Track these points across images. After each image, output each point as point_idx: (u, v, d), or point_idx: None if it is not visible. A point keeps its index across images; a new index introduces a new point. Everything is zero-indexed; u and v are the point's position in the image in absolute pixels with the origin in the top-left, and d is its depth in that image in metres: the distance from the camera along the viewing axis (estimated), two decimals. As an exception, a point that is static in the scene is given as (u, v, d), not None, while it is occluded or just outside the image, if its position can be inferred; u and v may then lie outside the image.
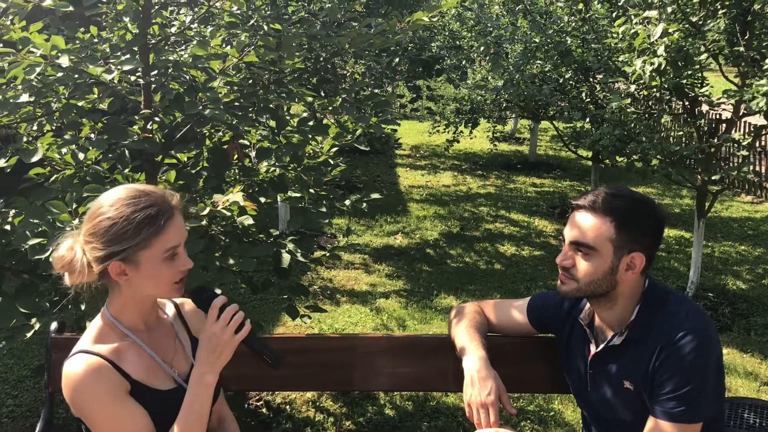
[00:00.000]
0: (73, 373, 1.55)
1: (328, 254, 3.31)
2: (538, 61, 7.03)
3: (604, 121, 5.39)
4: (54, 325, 2.07)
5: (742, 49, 4.22)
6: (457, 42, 9.39)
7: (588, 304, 1.92)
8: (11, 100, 2.39)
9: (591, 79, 6.90)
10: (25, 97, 2.40)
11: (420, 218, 7.55)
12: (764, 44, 4.07)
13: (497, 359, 1.96)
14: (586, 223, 1.76)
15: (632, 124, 4.80)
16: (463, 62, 9.41)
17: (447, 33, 9.80)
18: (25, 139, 2.67)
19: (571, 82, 6.88)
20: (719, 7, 4.20)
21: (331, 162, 3.38)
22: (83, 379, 1.54)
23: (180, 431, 1.58)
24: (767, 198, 8.18)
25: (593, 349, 1.88)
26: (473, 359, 1.91)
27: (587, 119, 6.61)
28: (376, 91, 4.92)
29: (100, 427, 1.56)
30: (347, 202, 3.26)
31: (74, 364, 1.56)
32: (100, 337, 1.61)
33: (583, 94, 6.77)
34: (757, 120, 7.49)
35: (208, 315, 1.62)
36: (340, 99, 3.40)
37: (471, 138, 10.63)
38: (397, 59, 7.30)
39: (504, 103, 9.33)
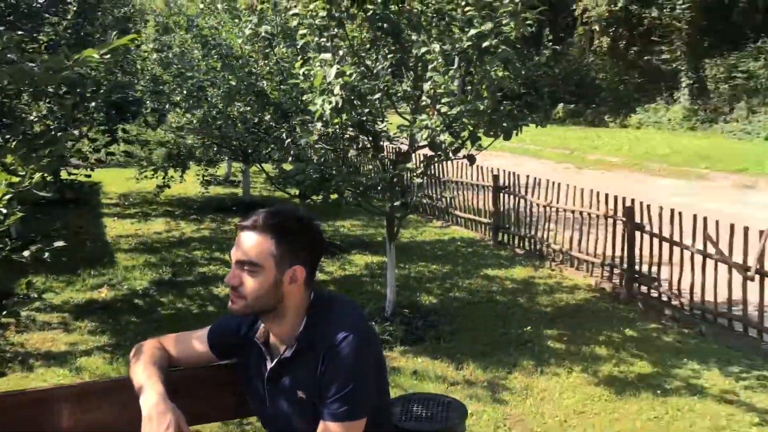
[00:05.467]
0: None
1: (4, 313, 3.00)
2: (238, 104, 7.17)
3: (301, 159, 5.67)
4: None
5: (408, 88, 4.77)
6: (161, 87, 9.19)
7: (263, 324, 1.99)
8: None
9: (290, 120, 7.21)
10: None
11: (128, 268, 7.16)
12: (421, 84, 4.66)
13: (178, 392, 1.93)
14: (248, 242, 1.85)
15: (322, 159, 5.13)
16: (167, 105, 9.24)
17: (149, 77, 9.56)
18: None
19: (271, 124, 7.12)
20: (387, 52, 4.71)
21: (4, 211, 3.08)
22: None
23: None
24: (453, 222, 9.26)
25: (269, 366, 1.96)
26: (150, 395, 1.86)
27: (290, 160, 6.88)
28: (59, 134, 4.59)
29: None
30: (26, 254, 2.99)
31: None
32: None
33: (284, 135, 7.04)
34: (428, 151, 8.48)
35: None
36: (15, 141, 3.12)
37: (182, 182, 10.42)
38: (87, 101, 6.90)
39: (214, 147, 9.34)
